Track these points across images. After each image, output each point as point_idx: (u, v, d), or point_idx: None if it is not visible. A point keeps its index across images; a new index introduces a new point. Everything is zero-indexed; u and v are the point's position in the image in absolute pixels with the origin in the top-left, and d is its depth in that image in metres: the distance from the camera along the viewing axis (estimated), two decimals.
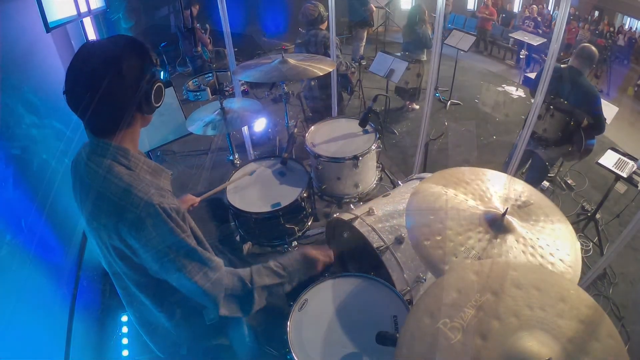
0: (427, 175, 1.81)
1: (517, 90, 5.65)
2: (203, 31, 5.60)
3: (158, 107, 1.01)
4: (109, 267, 1.07)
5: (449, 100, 4.98)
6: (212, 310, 1.06)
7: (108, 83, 0.88)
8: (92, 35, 3.11)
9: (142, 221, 0.90)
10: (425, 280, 1.45)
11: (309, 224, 1.94)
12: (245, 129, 3.03)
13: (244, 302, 1.08)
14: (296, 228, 1.85)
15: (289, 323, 1.22)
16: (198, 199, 1.58)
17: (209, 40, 5.62)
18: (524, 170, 3.18)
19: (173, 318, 1.16)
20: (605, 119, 2.57)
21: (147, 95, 0.96)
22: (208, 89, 4.84)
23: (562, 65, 2.60)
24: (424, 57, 4.36)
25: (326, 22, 3.10)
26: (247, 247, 2.14)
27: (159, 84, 0.98)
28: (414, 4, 4.54)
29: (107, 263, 1.06)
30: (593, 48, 2.56)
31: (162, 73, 1.02)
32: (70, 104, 0.92)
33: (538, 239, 1.06)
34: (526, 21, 8.28)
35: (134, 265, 1.00)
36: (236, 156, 2.70)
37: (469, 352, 0.68)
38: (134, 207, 0.90)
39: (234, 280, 1.06)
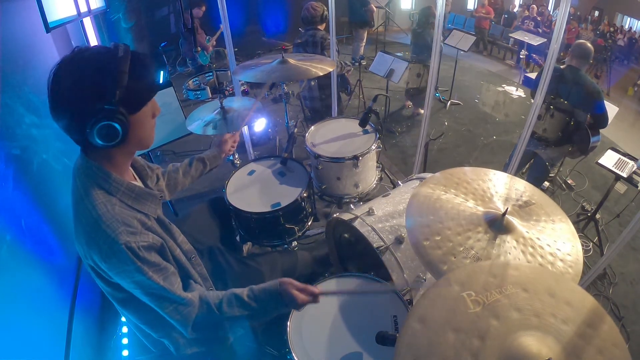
0: (427, 175, 1.81)
1: (517, 90, 5.65)
2: (208, 37, 5.44)
3: (112, 145, 0.89)
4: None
5: (449, 100, 4.98)
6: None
7: (65, 106, 0.85)
8: (92, 35, 3.11)
9: (108, 257, 0.89)
10: (425, 280, 1.45)
11: (309, 224, 1.94)
12: (245, 128, 3.03)
13: (215, 326, 1.10)
14: (296, 228, 1.85)
15: (289, 323, 1.22)
16: (237, 133, 1.66)
17: (208, 45, 5.47)
18: (524, 171, 3.18)
19: (157, 330, 1.15)
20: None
21: (89, 131, 0.86)
22: (208, 88, 4.84)
23: (561, 66, 2.60)
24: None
25: (325, 23, 3.10)
26: (247, 247, 2.14)
27: (105, 123, 0.85)
28: (422, 6, 4.49)
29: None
30: (588, 44, 2.56)
31: (120, 116, 0.86)
32: None
33: (539, 239, 1.06)
34: (526, 21, 8.28)
35: (110, 283, 1.00)
36: (236, 156, 2.70)
37: (480, 325, 0.72)
38: (101, 242, 0.89)
39: (204, 308, 1.05)
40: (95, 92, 0.84)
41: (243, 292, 1.09)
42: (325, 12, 3.05)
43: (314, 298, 1.11)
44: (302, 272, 1.59)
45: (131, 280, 0.94)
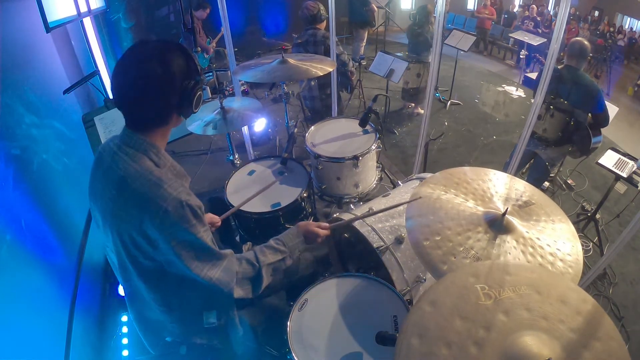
0: (427, 175, 1.81)
1: (517, 90, 5.65)
2: (209, 39, 5.39)
3: (194, 113, 1.07)
4: (117, 258, 1.09)
5: (449, 100, 4.98)
6: (226, 296, 1.10)
7: (159, 82, 0.96)
8: (92, 35, 3.11)
9: (167, 215, 0.95)
10: (425, 280, 1.45)
11: None
12: (245, 128, 3.03)
13: (254, 282, 1.15)
14: None
15: (289, 323, 1.22)
16: (219, 220, 1.56)
17: (210, 47, 5.40)
18: (524, 171, 3.18)
19: (172, 314, 1.17)
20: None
21: (190, 100, 1.02)
22: (208, 88, 4.82)
23: (559, 67, 2.60)
24: (430, 59, 4.34)
25: (324, 22, 3.11)
26: (246, 247, 2.14)
27: (200, 92, 1.05)
28: (419, 5, 4.49)
29: (116, 253, 1.08)
30: (584, 42, 2.55)
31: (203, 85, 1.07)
32: (115, 96, 0.99)
33: (538, 239, 1.06)
34: (525, 21, 8.28)
35: (147, 256, 1.03)
36: (236, 156, 2.70)
37: (488, 317, 0.74)
38: (162, 201, 0.95)
39: (244, 264, 1.14)
40: (188, 70, 1.00)
41: (269, 242, 1.23)
42: (322, 11, 3.05)
43: (329, 231, 1.32)
44: (303, 273, 1.60)
45: (183, 239, 0.99)
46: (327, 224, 1.34)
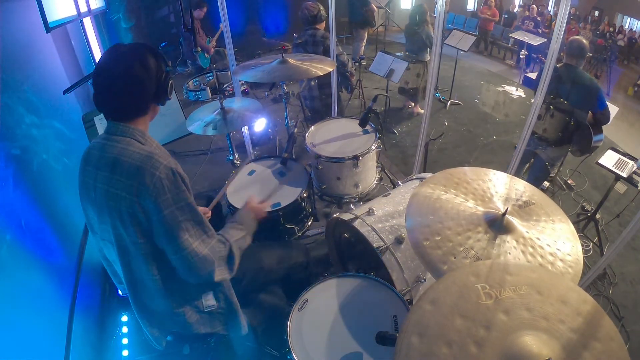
0: (427, 175, 1.81)
1: (517, 90, 5.64)
2: (208, 38, 5.40)
3: (169, 99, 1.21)
4: (117, 243, 1.12)
5: (449, 100, 4.97)
6: (207, 280, 1.14)
7: (140, 78, 1.08)
8: (92, 35, 3.11)
9: (160, 181, 1.04)
10: (425, 280, 1.45)
11: (309, 224, 1.94)
12: (245, 128, 3.03)
13: (229, 261, 1.21)
14: (296, 228, 1.85)
15: (289, 323, 1.22)
16: (208, 210, 1.61)
17: (210, 47, 5.41)
18: (524, 171, 3.18)
19: (173, 299, 1.18)
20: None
21: (164, 88, 1.15)
22: (208, 89, 4.83)
23: (557, 65, 2.59)
24: (428, 57, 4.34)
25: (324, 23, 3.11)
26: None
27: (171, 81, 1.19)
28: (415, 4, 4.49)
29: (115, 237, 1.11)
30: (582, 40, 2.54)
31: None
32: (99, 94, 1.09)
33: (539, 239, 1.06)
34: (525, 21, 8.28)
35: (145, 232, 1.08)
36: (236, 156, 2.69)
37: (489, 316, 0.74)
38: (154, 169, 1.04)
39: (218, 244, 1.19)
40: (159, 64, 1.13)
41: (227, 224, 1.34)
42: (321, 12, 3.06)
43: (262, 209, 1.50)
44: (296, 260, 1.61)
45: (175, 205, 1.07)
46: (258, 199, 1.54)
